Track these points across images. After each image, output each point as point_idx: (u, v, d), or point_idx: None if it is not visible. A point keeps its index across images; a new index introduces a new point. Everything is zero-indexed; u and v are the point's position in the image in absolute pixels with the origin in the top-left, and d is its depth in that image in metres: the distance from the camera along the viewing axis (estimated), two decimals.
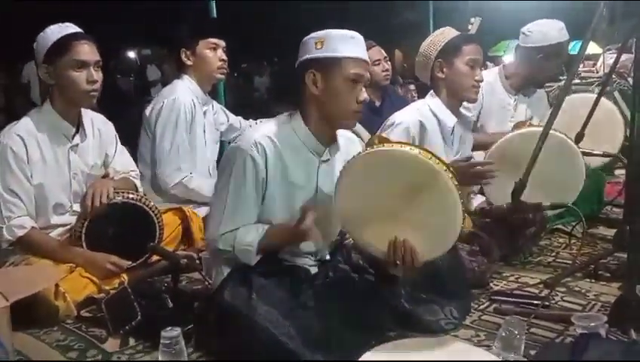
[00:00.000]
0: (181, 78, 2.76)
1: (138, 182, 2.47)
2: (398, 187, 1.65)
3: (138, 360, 1.74)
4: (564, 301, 2.07)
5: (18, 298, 1.67)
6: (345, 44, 1.73)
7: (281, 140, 1.76)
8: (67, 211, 2.25)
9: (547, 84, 3.72)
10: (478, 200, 2.61)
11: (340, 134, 1.88)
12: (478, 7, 5.86)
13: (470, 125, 2.67)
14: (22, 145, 2.10)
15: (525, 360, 1.57)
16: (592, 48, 5.22)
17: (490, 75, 3.05)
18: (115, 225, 2.22)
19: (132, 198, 2.25)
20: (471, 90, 2.38)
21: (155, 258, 2.27)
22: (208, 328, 1.76)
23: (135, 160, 2.61)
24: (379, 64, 3.31)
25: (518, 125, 2.62)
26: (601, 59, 4.93)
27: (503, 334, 1.57)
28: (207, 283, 2.05)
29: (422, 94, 3.15)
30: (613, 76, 3.63)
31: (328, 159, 1.85)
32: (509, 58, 6.47)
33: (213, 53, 2.74)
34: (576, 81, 4.20)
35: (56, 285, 1.95)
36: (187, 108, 2.67)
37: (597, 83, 4.12)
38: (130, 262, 2.18)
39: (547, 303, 2.00)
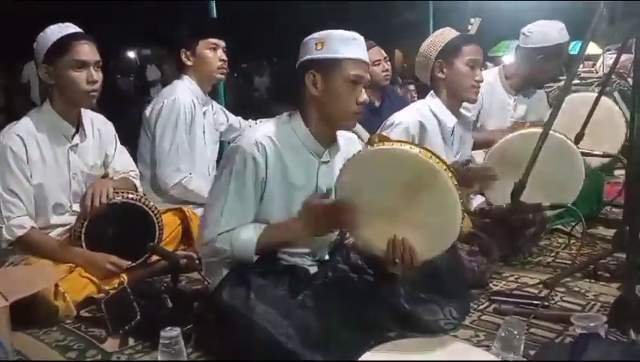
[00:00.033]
0: (181, 78, 2.76)
1: (138, 182, 2.47)
2: (397, 186, 1.65)
3: (137, 360, 1.74)
4: (563, 301, 2.07)
5: (17, 298, 1.67)
6: (345, 45, 1.73)
7: (281, 140, 1.76)
8: (67, 211, 2.25)
9: (547, 85, 3.72)
10: (477, 201, 2.61)
11: (339, 134, 1.88)
12: (477, 8, 5.87)
13: (470, 125, 2.68)
14: (21, 145, 2.10)
15: (525, 360, 1.57)
16: (592, 49, 5.22)
17: (490, 76, 3.06)
18: (115, 225, 2.22)
19: (132, 198, 2.25)
20: (471, 90, 2.38)
21: (154, 258, 2.27)
22: (208, 328, 1.76)
23: (135, 160, 2.61)
24: (379, 64, 3.31)
25: (516, 126, 2.62)
26: (600, 60, 4.94)
27: (503, 334, 1.57)
28: (206, 283, 2.05)
29: (421, 94, 3.16)
30: (613, 76, 3.63)
31: (328, 160, 1.85)
32: (508, 58, 6.46)
33: (213, 53, 2.74)
34: (576, 81, 4.20)
35: (56, 285, 1.95)
36: (187, 109, 2.67)
37: (597, 83, 4.12)
38: (129, 262, 2.18)
39: (547, 303, 2.00)
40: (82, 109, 2.27)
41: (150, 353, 1.75)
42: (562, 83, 3.64)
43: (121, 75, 9.17)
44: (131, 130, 2.85)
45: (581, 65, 4.68)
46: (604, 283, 2.20)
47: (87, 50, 2.14)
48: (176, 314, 1.83)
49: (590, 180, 2.56)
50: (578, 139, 2.57)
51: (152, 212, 2.27)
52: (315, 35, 1.76)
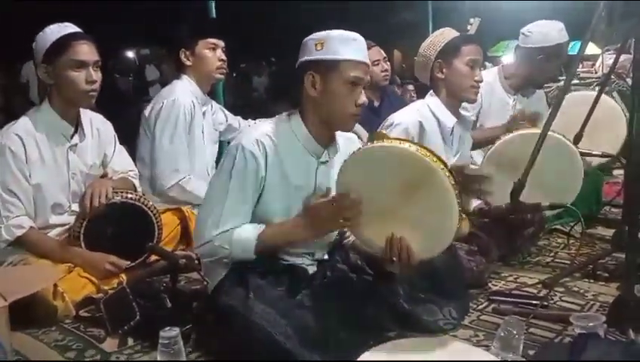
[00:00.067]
0: (180, 78, 2.76)
1: (137, 182, 2.47)
2: (396, 184, 1.65)
3: (137, 360, 1.74)
4: (562, 301, 2.08)
5: (16, 298, 1.67)
6: (345, 46, 1.72)
7: (280, 140, 1.76)
8: (66, 211, 2.25)
9: (546, 85, 3.72)
10: (477, 201, 2.61)
11: (339, 134, 1.88)
12: (477, 8, 5.86)
13: (469, 125, 2.68)
14: (20, 144, 2.10)
15: (524, 360, 1.57)
16: (591, 49, 5.22)
17: (490, 76, 3.06)
18: (114, 225, 2.22)
19: (131, 198, 2.25)
20: (470, 90, 2.38)
21: (153, 258, 2.27)
22: (207, 328, 1.76)
23: (133, 160, 2.61)
24: (378, 64, 3.31)
25: (514, 122, 2.62)
26: (599, 60, 4.94)
27: (502, 334, 1.57)
28: (205, 283, 2.04)
29: (420, 95, 3.16)
30: (612, 77, 3.63)
31: (327, 160, 1.85)
32: (507, 58, 6.47)
33: (213, 53, 2.74)
34: (575, 81, 4.20)
35: (55, 285, 1.95)
36: (186, 110, 2.67)
37: (596, 83, 4.12)
38: (128, 262, 2.18)
39: (546, 303, 2.00)
40: (81, 109, 2.27)
41: (149, 353, 1.75)
42: (561, 83, 3.64)
43: (120, 74, 9.15)
44: (130, 130, 2.84)
45: (580, 66, 4.69)
46: (603, 283, 2.20)
47: (86, 50, 2.14)
48: (176, 314, 1.83)
49: (589, 180, 2.56)
50: (577, 139, 2.57)
51: (151, 212, 2.27)
52: (315, 35, 1.75)
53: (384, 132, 2.22)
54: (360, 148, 1.72)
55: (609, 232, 2.67)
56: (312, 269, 1.88)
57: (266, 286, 1.68)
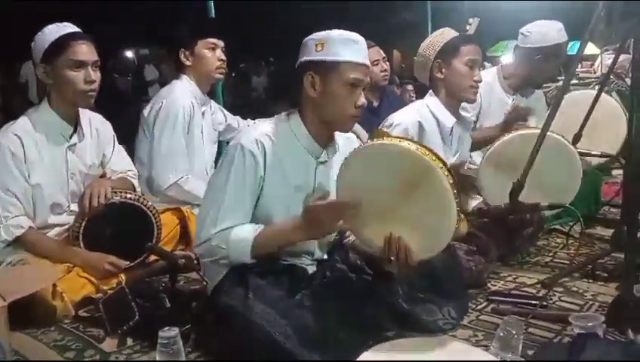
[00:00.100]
0: (180, 78, 2.76)
1: (136, 182, 2.47)
2: (396, 182, 1.65)
3: (136, 360, 1.74)
4: (561, 301, 2.08)
5: (15, 298, 1.67)
6: (346, 47, 1.71)
7: (279, 140, 1.76)
8: (65, 211, 2.25)
9: (545, 85, 3.72)
10: (476, 200, 2.61)
11: (338, 134, 1.88)
12: (476, 8, 5.86)
13: (469, 125, 2.68)
14: (19, 144, 2.10)
15: (523, 360, 1.57)
16: (590, 49, 5.21)
17: (489, 76, 3.06)
18: (113, 225, 2.22)
19: (130, 198, 2.25)
20: (469, 90, 2.38)
21: (152, 258, 2.27)
22: (206, 328, 1.76)
23: (132, 159, 2.61)
24: (377, 64, 3.31)
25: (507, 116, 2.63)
26: (598, 60, 4.94)
27: (501, 334, 1.57)
28: (204, 283, 2.05)
29: (419, 95, 3.16)
30: (611, 77, 3.64)
31: (326, 160, 1.85)
32: (506, 58, 6.46)
33: (212, 53, 2.74)
34: (574, 81, 4.20)
35: (54, 285, 1.95)
36: (186, 110, 2.67)
37: (595, 84, 4.12)
38: (128, 262, 2.18)
39: (545, 303, 2.00)
40: (80, 109, 2.27)
41: (148, 353, 1.75)
42: (560, 83, 3.64)
43: (119, 74, 9.15)
44: (129, 130, 2.84)
45: (579, 66, 4.69)
46: (602, 283, 2.21)
47: (85, 50, 2.14)
48: (175, 314, 1.83)
49: (587, 180, 2.57)
50: (576, 139, 2.57)
51: (151, 212, 2.27)
52: (315, 35, 1.75)
53: (385, 130, 2.22)
54: (361, 145, 1.72)
55: (608, 232, 2.67)
56: (311, 269, 1.88)
57: (265, 286, 1.67)
